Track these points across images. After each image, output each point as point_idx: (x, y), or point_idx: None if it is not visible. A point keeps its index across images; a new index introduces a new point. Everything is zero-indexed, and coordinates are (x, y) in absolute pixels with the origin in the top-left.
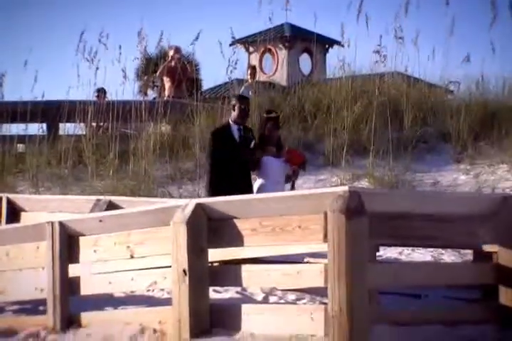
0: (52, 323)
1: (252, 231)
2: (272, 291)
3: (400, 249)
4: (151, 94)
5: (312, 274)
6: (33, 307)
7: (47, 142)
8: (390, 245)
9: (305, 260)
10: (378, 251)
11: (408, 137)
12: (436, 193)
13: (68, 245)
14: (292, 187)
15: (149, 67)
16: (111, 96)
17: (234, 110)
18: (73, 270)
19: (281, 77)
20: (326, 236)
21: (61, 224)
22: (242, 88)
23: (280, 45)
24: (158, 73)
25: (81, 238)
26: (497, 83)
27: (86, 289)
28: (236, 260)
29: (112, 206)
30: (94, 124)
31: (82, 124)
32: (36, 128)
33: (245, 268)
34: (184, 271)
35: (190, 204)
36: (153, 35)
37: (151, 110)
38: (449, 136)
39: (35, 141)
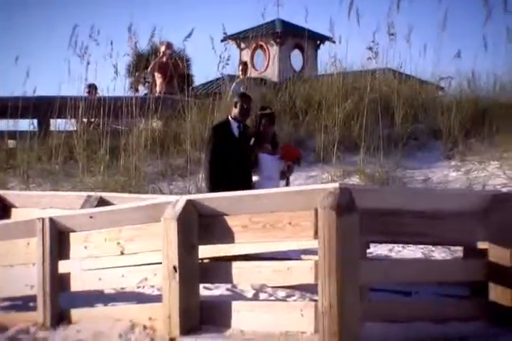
0: (42, 319)
1: (243, 227)
2: (262, 288)
3: (390, 245)
4: (143, 90)
5: (302, 271)
6: (24, 303)
7: (38, 138)
8: (380, 242)
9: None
10: (369, 248)
11: (399, 134)
12: (427, 190)
13: (59, 241)
14: (287, 184)
15: (141, 62)
16: (102, 92)
17: (235, 107)
18: (63, 266)
19: (272, 73)
20: (316, 232)
21: (51, 220)
22: (234, 84)
23: (271, 41)
24: (149, 69)
25: (71, 234)
26: (488, 80)
27: (76, 285)
28: (227, 257)
29: (102, 202)
30: (85, 120)
31: (73, 120)
32: (27, 124)
33: (236, 265)
34: (174, 267)
35: (181, 200)
36: (145, 30)
37: (142, 106)
38: (440, 133)
39: (26, 136)
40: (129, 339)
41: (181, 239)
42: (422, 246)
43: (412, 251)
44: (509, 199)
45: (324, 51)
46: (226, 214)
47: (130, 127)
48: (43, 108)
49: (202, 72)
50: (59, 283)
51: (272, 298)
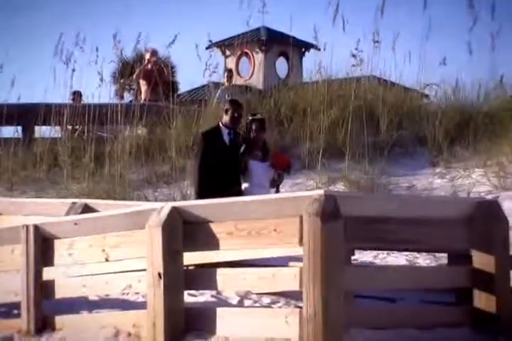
0: (26, 326)
1: (228, 234)
2: (247, 295)
3: (375, 252)
4: (128, 97)
5: (287, 278)
6: (8, 310)
7: (22, 145)
8: (365, 249)
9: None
10: (353, 254)
11: (384, 141)
12: (411, 197)
13: (43, 248)
14: (277, 192)
15: (126, 69)
16: (87, 99)
17: (226, 114)
18: (48, 273)
19: (257, 81)
20: (301, 239)
21: (36, 227)
22: (219, 91)
23: (257, 49)
24: (134, 76)
25: (56, 241)
26: (473, 87)
27: (61, 292)
28: (212, 263)
29: (87, 209)
30: (69, 127)
31: (57, 127)
32: (11, 131)
33: (220, 272)
34: (159, 274)
35: (166, 207)
36: (131, 37)
37: (127, 113)
38: (425, 140)
39: (11, 143)
40: None
41: (166, 245)
42: (406, 252)
43: (396, 258)
44: (493, 207)
45: (309, 58)
46: (211, 221)
47: (115, 134)
48: (27, 115)
49: (187, 79)
50: (43, 289)
51: (257, 304)
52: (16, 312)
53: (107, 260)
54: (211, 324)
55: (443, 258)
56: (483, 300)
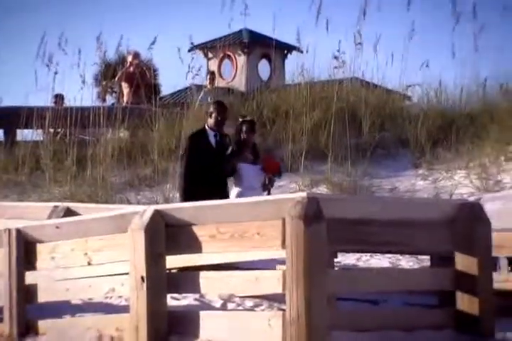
0: (8, 331)
1: (211, 237)
2: (230, 298)
3: (357, 255)
4: (110, 100)
5: (270, 281)
6: None
7: (4, 148)
8: (348, 251)
9: (277, 268)
10: (336, 257)
11: (366, 143)
12: (394, 199)
13: (25, 252)
14: (268, 195)
15: (108, 72)
16: (69, 102)
17: (210, 117)
18: (31, 277)
19: (240, 83)
20: (284, 242)
21: (18, 231)
22: (201, 94)
23: (239, 51)
24: (116, 79)
25: (38, 245)
26: (455, 88)
27: (43, 296)
28: (195, 266)
29: (69, 212)
30: (52, 130)
31: (39, 130)
32: None
33: (203, 275)
34: (142, 277)
35: (148, 210)
36: (112, 40)
37: (109, 116)
38: (407, 142)
39: None
40: None
41: (148, 249)
42: (389, 255)
43: (379, 260)
44: (476, 209)
45: (292, 61)
46: (194, 224)
47: (97, 137)
48: (9, 118)
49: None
50: (26, 293)
51: (240, 307)
52: None
53: (89, 264)
54: (194, 327)
55: (426, 260)
56: (466, 302)
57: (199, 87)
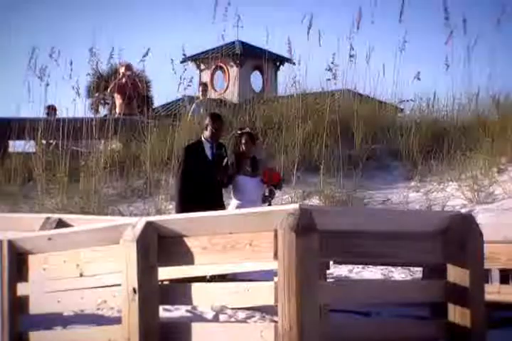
0: None
1: (203, 249)
2: (223, 309)
3: (350, 266)
4: (103, 111)
5: (262, 292)
6: None
7: None
8: (340, 263)
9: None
10: (329, 268)
11: (359, 154)
12: (386, 211)
13: (17, 263)
14: None
15: (100, 83)
16: (61, 113)
17: (206, 129)
18: (22, 288)
19: (232, 95)
20: (276, 253)
21: (10, 242)
22: (194, 105)
23: (231, 63)
24: (109, 90)
25: (30, 256)
26: (447, 101)
27: (35, 308)
28: (188, 278)
29: (61, 224)
30: (44, 142)
31: (32, 142)
32: None
33: (195, 287)
34: (134, 289)
35: (140, 222)
36: (105, 51)
37: (101, 127)
38: (400, 154)
39: None
40: None
41: (141, 260)
42: (381, 266)
43: (371, 272)
44: (468, 220)
45: (284, 72)
46: (186, 236)
47: (89, 149)
48: (1, 129)
49: (162, 93)
50: (18, 305)
51: (232, 319)
52: None
53: (81, 275)
54: (186, 339)
55: (418, 272)
56: (457, 314)
57: (191, 99)
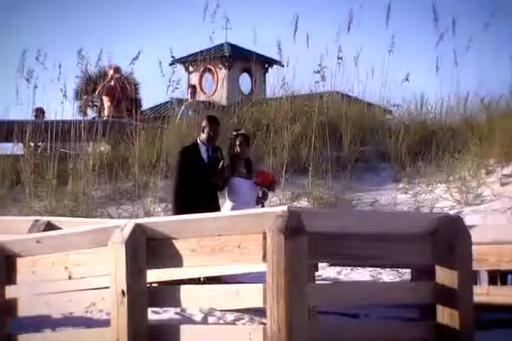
0: None
1: (191, 251)
2: (211, 312)
3: (338, 268)
4: (91, 114)
5: (251, 294)
6: None
7: None
8: (329, 264)
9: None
10: (317, 270)
11: (347, 156)
12: (375, 213)
13: (6, 266)
14: None
15: (89, 86)
16: (49, 115)
17: (203, 132)
18: (11, 291)
19: (221, 97)
20: (265, 256)
21: None
22: (182, 107)
23: (220, 65)
24: (97, 92)
25: (19, 259)
26: (436, 103)
27: (24, 310)
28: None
29: (50, 227)
30: (32, 144)
31: (20, 144)
32: None
33: (184, 289)
34: (123, 291)
35: (129, 224)
36: (93, 54)
37: (90, 130)
38: (388, 156)
39: None
40: None
41: (129, 262)
42: (370, 268)
43: (360, 274)
44: (457, 222)
45: (273, 74)
46: (174, 238)
47: (78, 151)
48: None
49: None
50: (6, 308)
51: (221, 321)
52: None
53: (70, 277)
54: None
55: (406, 273)
56: (446, 316)
57: (180, 101)
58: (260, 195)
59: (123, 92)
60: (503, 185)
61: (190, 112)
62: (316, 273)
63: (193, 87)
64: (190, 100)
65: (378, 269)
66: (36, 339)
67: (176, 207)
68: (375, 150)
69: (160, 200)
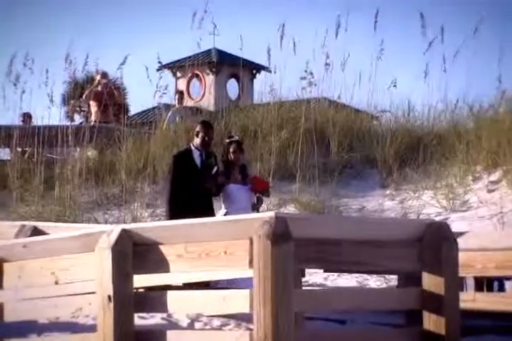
0: None
1: (178, 257)
2: (198, 317)
3: (325, 274)
4: (78, 119)
5: (238, 300)
6: None
7: None
8: (316, 271)
9: None
10: (304, 276)
11: (334, 162)
12: (362, 219)
13: None
14: None
15: (76, 91)
16: (37, 120)
17: (197, 137)
18: None
19: (208, 102)
20: (251, 261)
21: None
22: (170, 113)
23: (207, 71)
24: (84, 97)
25: (5, 264)
26: (423, 109)
27: (10, 315)
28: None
29: (36, 232)
30: (19, 149)
31: (7, 149)
32: None
33: (171, 294)
34: (109, 296)
35: (116, 229)
36: (80, 59)
37: (77, 135)
38: (375, 162)
39: None
40: None
41: (116, 268)
42: (357, 274)
43: (347, 280)
44: (443, 228)
45: (260, 80)
46: (161, 243)
47: (65, 156)
48: None
49: (137, 101)
50: None
51: (208, 327)
52: None
53: (56, 283)
54: None
55: (393, 279)
56: (432, 322)
57: (167, 107)
58: (255, 202)
59: (110, 97)
60: (489, 191)
61: (177, 118)
62: (303, 279)
63: (181, 93)
64: (177, 106)
65: (365, 275)
66: None
67: (169, 213)
68: (363, 156)
69: (147, 206)
